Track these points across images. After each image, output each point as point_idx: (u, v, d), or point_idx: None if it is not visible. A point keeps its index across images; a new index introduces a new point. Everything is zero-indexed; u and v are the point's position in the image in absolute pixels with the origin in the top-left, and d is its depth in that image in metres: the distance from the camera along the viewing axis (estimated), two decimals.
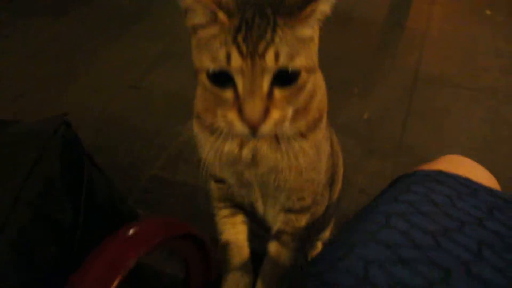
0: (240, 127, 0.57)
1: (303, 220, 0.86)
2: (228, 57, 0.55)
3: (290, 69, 0.56)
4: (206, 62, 0.56)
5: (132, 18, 2.55)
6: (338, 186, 1.05)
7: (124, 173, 1.61)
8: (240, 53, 0.55)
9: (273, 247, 0.87)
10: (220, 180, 0.89)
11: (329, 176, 0.92)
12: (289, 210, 0.85)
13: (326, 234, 1.15)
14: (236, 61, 0.55)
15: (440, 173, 0.69)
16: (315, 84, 0.69)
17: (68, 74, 2.15)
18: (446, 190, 0.64)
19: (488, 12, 2.55)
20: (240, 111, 0.57)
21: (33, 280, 0.61)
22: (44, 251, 0.62)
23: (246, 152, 0.72)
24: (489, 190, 0.65)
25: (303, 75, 0.58)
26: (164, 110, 1.92)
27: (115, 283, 0.56)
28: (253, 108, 0.56)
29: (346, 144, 1.62)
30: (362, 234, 0.57)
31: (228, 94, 0.57)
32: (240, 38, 0.55)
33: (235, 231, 0.90)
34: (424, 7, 2.65)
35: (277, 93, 0.57)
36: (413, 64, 2.15)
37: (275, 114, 0.58)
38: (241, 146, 0.72)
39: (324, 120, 0.75)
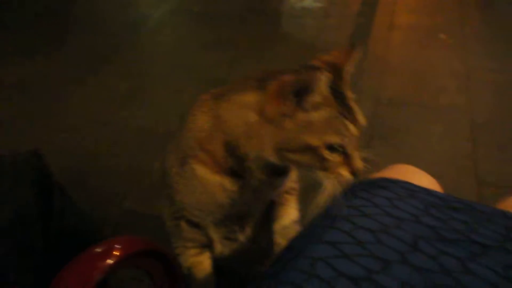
0: (350, 177, 0.77)
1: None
2: (347, 129, 0.74)
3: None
4: (332, 138, 0.74)
5: (101, 59, 2.62)
6: None
7: (98, 207, 1.62)
8: (352, 124, 0.75)
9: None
10: (193, 224, 0.97)
11: None
12: None
13: None
14: (354, 130, 0.75)
15: (383, 179, 0.76)
16: None
17: (40, 114, 2.17)
18: (387, 194, 0.70)
19: (442, 36, 2.69)
20: (349, 166, 0.77)
21: None
22: (18, 276, 0.65)
23: (247, 191, 0.87)
24: (427, 191, 0.72)
25: None
26: (136, 145, 1.96)
27: None
28: (359, 161, 0.78)
29: None
30: (310, 237, 0.63)
31: (336, 157, 0.75)
32: (345, 112, 0.74)
33: (203, 267, 1.01)
34: (383, 33, 2.79)
35: None
36: (375, 88, 2.25)
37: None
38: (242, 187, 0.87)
39: None
